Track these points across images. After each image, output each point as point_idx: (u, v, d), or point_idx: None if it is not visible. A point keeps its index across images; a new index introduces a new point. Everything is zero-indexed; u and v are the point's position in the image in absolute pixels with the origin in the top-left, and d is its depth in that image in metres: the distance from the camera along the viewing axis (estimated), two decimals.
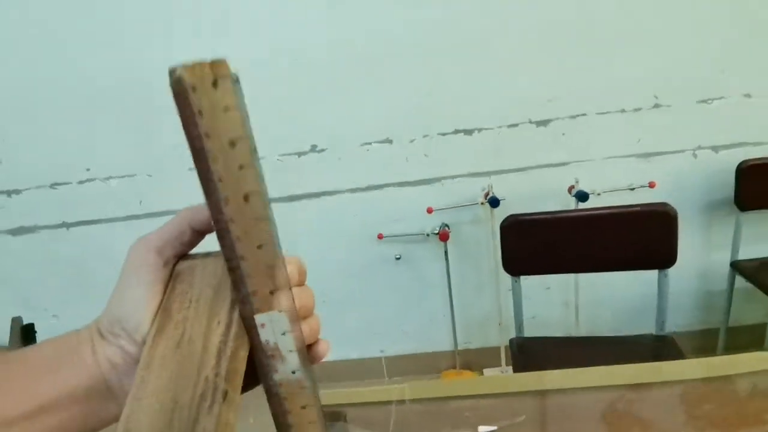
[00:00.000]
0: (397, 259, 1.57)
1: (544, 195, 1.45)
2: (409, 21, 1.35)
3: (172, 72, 0.21)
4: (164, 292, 0.27)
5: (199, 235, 0.28)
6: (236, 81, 0.21)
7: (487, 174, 1.47)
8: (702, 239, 1.50)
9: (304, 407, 0.27)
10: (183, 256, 0.28)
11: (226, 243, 0.23)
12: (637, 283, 1.45)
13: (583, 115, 1.40)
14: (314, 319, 0.28)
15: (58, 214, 1.57)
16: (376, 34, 1.37)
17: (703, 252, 1.51)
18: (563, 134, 1.41)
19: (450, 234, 1.49)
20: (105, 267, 1.57)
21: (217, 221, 0.23)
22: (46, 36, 1.41)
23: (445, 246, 1.51)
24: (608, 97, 1.38)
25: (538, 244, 1.07)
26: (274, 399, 0.27)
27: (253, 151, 0.22)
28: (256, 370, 0.26)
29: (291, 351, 0.26)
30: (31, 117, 1.49)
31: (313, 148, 1.48)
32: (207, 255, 0.29)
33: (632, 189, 1.42)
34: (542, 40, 1.35)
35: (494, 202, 1.41)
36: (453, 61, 1.38)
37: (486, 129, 1.44)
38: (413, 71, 1.39)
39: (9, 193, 1.56)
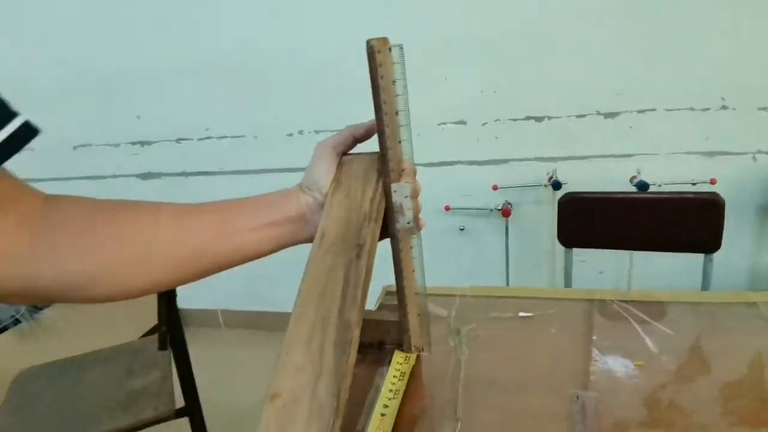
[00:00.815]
0: (461, 230, 1.73)
1: (605, 182, 1.54)
2: (493, 14, 1.49)
3: (368, 41, 0.39)
4: (335, 170, 0.46)
5: (356, 142, 0.47)
6: (401, 49, 0.40)
7: (553, 159, 1.59)
8: (752, 237, 1.53)
9: (411, 247, 0.46)
10: (345, 153, 0.48)
11: (382, 138, 0.42)
12: (688, 278, 1.51)
13: (652, 110, 1.47)
14: (419, 201, 0.46)
15: (179, 164, 1.89)
16: (457, 26, 1.52)
17: (753, 250, 1.54)
18: (630, 127, 1.50)
19: (512, 211, 1.62)
20: None
21: (379, 125, 0.42)
22: (180, 17, 1.71)
23: (506, 222, 1.65)
24: (677, 95, 1.45)
25: (592, 220, 1.19)
26: (394, 241, 0.46)
27: (404, 87, 0.41)
28: (385, 228, 0.45)
29: (409, 209, 0.44)
30: (167, 82, 1.80)
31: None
32: (359, 154, 0.48)
33: (693, 184, 1.48)
34: (617, 34, 1.43)
35: (557, 185, 1.53)
36: (528, 52, 1.50)
37: (555, 117, 1.55)
38: (490, 60, 1.53)
39: (143, 143, 1.90)
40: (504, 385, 0.48)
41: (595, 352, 0.51)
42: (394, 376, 0.48)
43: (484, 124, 1.60)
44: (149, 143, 1.90)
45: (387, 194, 0.44)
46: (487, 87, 1.56)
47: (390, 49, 0.39)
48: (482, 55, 1.53)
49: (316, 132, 1.75)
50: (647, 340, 0.52)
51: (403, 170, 0.43)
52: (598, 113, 1.51)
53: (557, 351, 0.52)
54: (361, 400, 0.46)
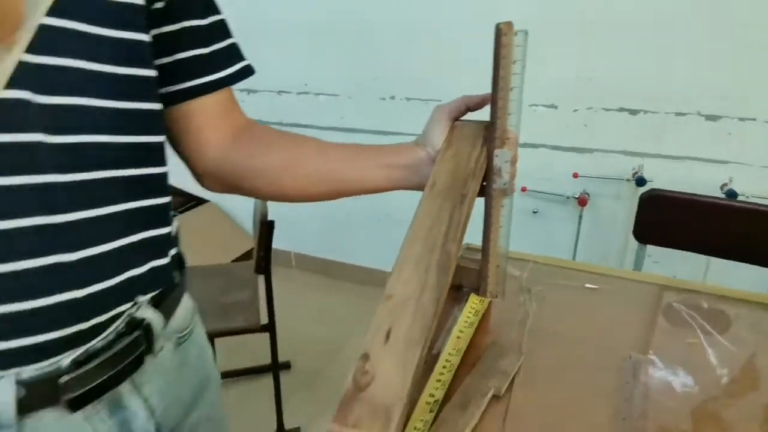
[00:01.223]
0: (534, 213, 1.76)
1: (693, 186, 1.50)
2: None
3: (497, 24, 0.46)
4: (448, 132, 0.54)
5: (468, 110, 0.55)
6: (525, 34, 0.46)
7: (641, 155, 1.56)
8: None
9: (502, 206, 0.54)
10: (457, 119, 0.56)
11: (494, 108, 0.49)
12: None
13: (753, 119, 1.40)
14: (516, 168, 0.54)
15: (278, 115, 2.06)
16: (564, 7, 1.51)
17: None
18: (729, 133, 1.43)
19: (589, 201, 1.63)
20: None
21: (493, 97, 0.49)
22: None
23: (581, 211, 1.66)
24: None
25: (672, 219, 1.18)
26: (488, 199, 0.54)
27: (522, 68, 0.47)
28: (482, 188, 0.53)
29: (507, 173, 0.52)
30: (276, 36, 1.94)
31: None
32: (469, 121, 0.55)
33: None
34: (732, 37, 1.36)
35: (641, 182, 1.51)
36: (634, 42, 1.46)
37: (651, 112, 1.51)
38: (592, 46, 1.51)
39: (249, 92, 2.08)
40: (565, 336, 0.55)
41: (657, 329, 0.57)
42: (469, 312, 0.57)
43: (575, 111, 1.60)
44: (254, 92, 2.07)
45: (489, 158, 0.52)
46: (583, 73, 1.55)
47: (516, 33, 0.46)
48: (584, 39, 1.51)
49: (408, 99, 1.83)
50: (709, 328, 0.56)
51: (507, 139, 0.51)
52: (699, 114, 1.46)
53: (619, 320, 0.59)
54: (441, 325, 0.56)
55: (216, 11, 0.49)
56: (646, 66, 1.47)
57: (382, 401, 0.36)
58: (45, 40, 0.34)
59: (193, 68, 0.48)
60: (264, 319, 1.26)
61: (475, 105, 0.54)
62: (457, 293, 0.61)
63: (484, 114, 0.54)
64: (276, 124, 2.09)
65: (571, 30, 1.52)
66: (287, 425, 1.43)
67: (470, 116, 0.57)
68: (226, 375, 1.66)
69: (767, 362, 0.52)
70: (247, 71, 0.52)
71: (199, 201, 2.33)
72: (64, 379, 0.37)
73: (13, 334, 0.35)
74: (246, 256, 2.26)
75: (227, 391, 1.63)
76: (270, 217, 1.23)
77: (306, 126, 2.02)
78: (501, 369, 0.49)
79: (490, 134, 0.51)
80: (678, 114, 1.48)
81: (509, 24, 0.46)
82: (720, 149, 1.46)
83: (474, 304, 0.58)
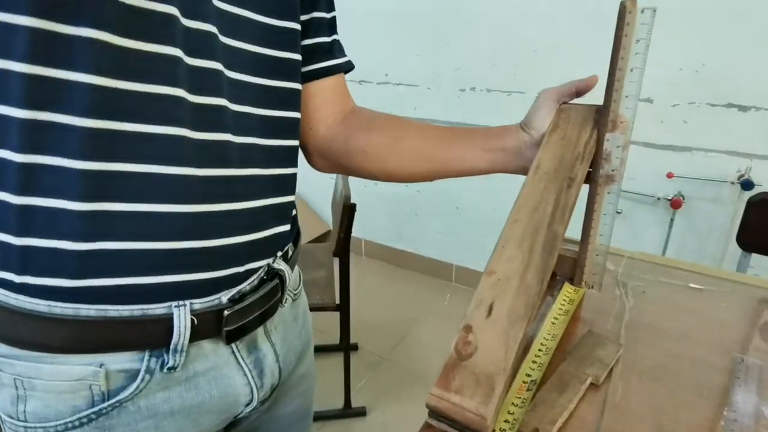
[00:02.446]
0: (618, 213, 1.67)
1: None
2: None
3: (622, 1, 0.44)
4: (554, 116, 0.53)
5: (576, 95, 0.53)
6: (653, 12, 0.44)
7: (749, 156, 1.43)
8: None
9: (609, 193, 0.52)
10: (564, 103, 0.54)
11: (609, 89, 0.48)
12: None
13: None
14: (626, 155, 0.51)
15: (359, 103, 2.10)
16: None
17: None
18: None
19: (683, 204, 1.51)
20: None
21: (610, 77, 0.47)
22: None
23: (673, 214, 1.55)
24: None
25: None
26: (593, 185, 0.52)
27: (646, 47, 0.45)
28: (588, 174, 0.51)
29: (617, 158, 0.50)
30: (361, 25, 1.98)
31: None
32: (578, 105, 0.54)
33: None
34: None
35: (747, 185, 1.38)
36: (749, 31, 1.33)
37: (765, 109, 1.37)
38: (701, 35, 1.39)
39: None
40: (666, 332, 0.53)
41: (759, 333, 0.52)
42: (564, 300, 0.56)
43: (674, 105, 1.49)
44: None
45: (599, 142, 0.50)
46: (689, 64, 1.44)
47: (642, 11, 0.44)
48: (691, 27, 1.40)
49: (488, 91, 1.80)
50: None
51: (621, 122, 0.49)
52: None
53: (725, 321, 0.55)
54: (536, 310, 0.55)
55: (334, 8, 0.55)
56: (763, 58, 1.34)
57: (485, 371, 0.37)
58: (227, 23, 0.41)
59: (318, 53, 0.53)
60: (338, 300, 1.31)
61: (585, 87, 0.53)
62: (550, 281, 0.60)
63: (591, 99, 0.53)
64: None
65: (676, 16, 1.41)
66: (353, 404, 1.47)
67: (578, 102, 0.55)
68: None
69: None
70: (351, 64, 0.58)
71: None
72: (226, 313, 0.43)
73: (196, 268, 0.41)
74: (320, 239, 2.35)
75: None
76: None
77: None
78: (599, 358, 0.48)
79: (603, 117, 0.49)
80: None
81: (634, 1, 0.45)
82: None
83: (568, 293, 0.56)
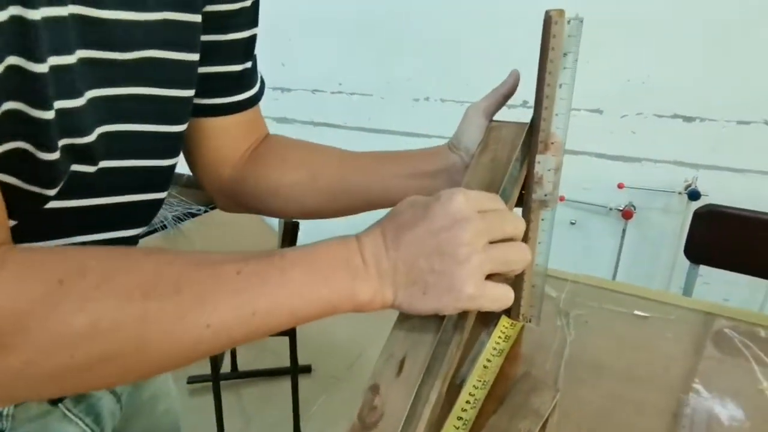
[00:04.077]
0: (572, 224, 1.66)
1: (754, 203, 1.36)
2: None
3: (547, 11, 0.40)
4: (484, 134, 0.48)
5: (505, 99, 0.49)
6: (580, 23, 0.40)
7: (695, 166, 1.44)
8: None
9: (542, 219, 0.47)
10: (493, 115, 0.49)
11: (538, 108, 0.43)
12: None
13: None
14: (559, 177, 0.47)
15: (310, 114, 2.03)
16: (618, 2, 1.41)
17: None
18: None
19: (634, 214, 1.52)
20: None
21: (538, 94, 0.43)
22: None
23: (625, 224, 1.55)
24: None
25: (729, 239, 1.07)
26: (526, 211, 0.47)
27: (575, 61, 0.41)
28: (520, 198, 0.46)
29: (549, 182, 0.45)
30: (311, 34, 1.92)
31: (524, 104, 1.62)
32: (508, 123, 0.49)
33: None
34: None
35: (694, 195, 1.40)
36: (695, 43, 1.35)
37: (710, 120, 1.39)
38: (647, 46, 1.40)
39: (283, 90, 2.06)
40: (609, 370, 0.48)
41: (705, 356, 0.49)
42: (498, 337, 0.50)
43: (623, 117, 1.49)
44: (288, 90, 2.06)
45: (530, 164, 0.45)
46: (636, 76, 1.44)
47: (569, 22, 0.40)
48: (637, 38, 1.41)
49: (443, 101, 1.77)
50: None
51: (552, 143, 0.44)
52: (766, 123, 1.33)
53: (672, 354, 0.51)
54: (466, 352, 0.50)
55: (256, 23, 0.47)
56: (707, 70, 1.35)
57: None
58: None
59: (225, 85, 0.45)
60: None
61: (509, 89, 0.48)
62: (485, 315, 0.54)
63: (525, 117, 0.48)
64: (308, 124, 2.07)
65: (622, 28, 1.42)
66: (306, 430, 1.39)
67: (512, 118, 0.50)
68: (246, 375, 1.64)
69: None
70: (262, 91, 0.50)
71: None
72: None
73: None
74: None
75: (247, 392, 1.61)
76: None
77: (336, 126, 1.99)
78: (534, 408, 0.42)
79: (533, 137, 0.45)
80: (740, 123, 1.35)
81: (561, 11, 0.40)
82: None
83: (504, 328, 0.51)
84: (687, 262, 1.15)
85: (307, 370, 1.66)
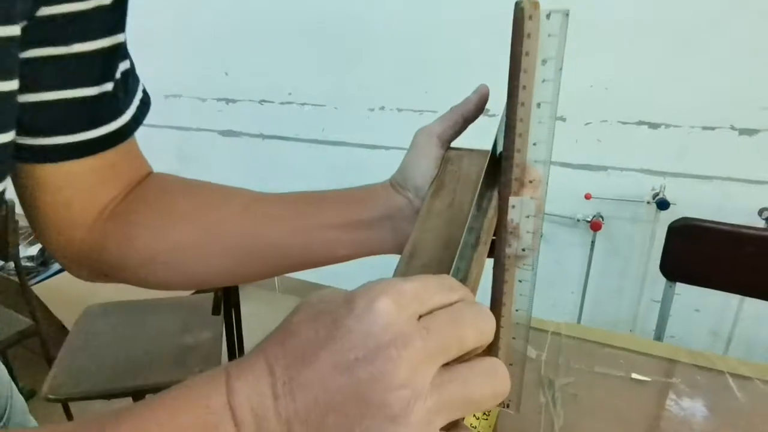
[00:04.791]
0: (541, 236, 1.57)
1: (724, 210, 1.32)
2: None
3: (518, 3, 0.28)
4: (438, 167, 0.36)
5: (466, 123, 0.37)
6: (565, 16, 0.28)
7: (662, 174, 1.39)
8: None
9: (520, 281, 0.36)
10: (451, 141, 0.38)
11: (510, 134, 0.31)
12: None
13: None
14: (541, 221, 0.36)
15: (259, 125, 1.88)
16: (580, 4, 1.34)
17: None
18: None
19: (603, 225, 1.45)
20: (285, 177, 1.85)
21: (509, 118, 0.31)
22: None
23: (594, 236, 1.48)
24: None
25: (707, 254, 1.01)
26: (498, 269, 0.36)
27: (558, 70, 0.29)
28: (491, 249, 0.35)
29: (528, 233, 0.34)
30: (255, 42, 1.77)
31: (486, 112, 1.53)
32: (471, 150, 0.38)
33: None
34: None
35: (663, 204, 1.34)
36: (656, 47, 1.29)
37: (675, 126, 1.34)
38: (608, 51, 1.34)
39: (227, 101, 1.90)
40: None
41: None
42: None
43: (587, 124, 1.42)
44: (234, 101, 1.90)
45: (502, 208, 0.34)
46: (599, 82, 1.38)
47: (548, 16, 0.28)
48: (599, 44, 1.34)
49: (399, 110, 1.66)
50: None
51: (530, 181, 0.33)
52: (733, 128, 1.28)
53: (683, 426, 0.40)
54: None
55: (122, 28, 0.33)
56: (669, 75, 1.30)
57: None
58: None
59: (70, 117, 0.31)
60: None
61: (474, 111, 0.36)
62: None
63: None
64: (256, 137, 1.91)
65: (583, 33, 1.35)
66: None
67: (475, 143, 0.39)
68: None
69: None
70: (145, 105, 0.36)
71: None
72: None
73: None
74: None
75: None
76: None
77: (288, 138, 1.84)
78: None
79: (504, 174, 0.33)
80: (706, 128, 1.31)
81: (535, 2, 0.29)
82: (758, 168, 1.28)
83: (475, 419, 0.39)
84: (658, 274, 1.07)
85: None
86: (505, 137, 0.32)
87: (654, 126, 1.36)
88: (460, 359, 0.22)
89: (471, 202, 0.34)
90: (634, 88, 1.35)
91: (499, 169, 0.34)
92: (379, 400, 0.19)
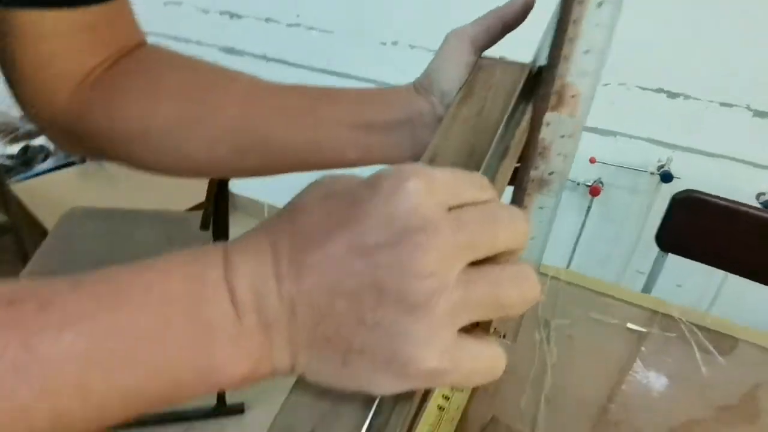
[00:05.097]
0: None
1: (725, 189, 1.30)
2: None
3: None
4: (469, 73, 0.33)
5: (505, 30, 0.33)
6: None
7: (671, 147, 1.36)
8: None
9: (541, 208, 0.33)
10: (485, 48, 0.34)
11: (558, 38, 0.28)
12: None
13: None
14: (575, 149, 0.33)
15: (262, 46, 1.78)
16: None
17: None
18: None
19: (602, 191, 1.43)
20: None
21: (562, 20, 0.27)
22: None
23: (591, 201, 1.46)
24: None
25: (704, 227, 1.00)
26: (519, 192, 0.33)
27: None
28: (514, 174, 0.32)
29: (558, 155, 0.31)
30: None
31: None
32: (507, 61, 0.34)
33: None
34: None
35: (666, 177, 1.32)
36: (692, 13, 1.22)
37: (693, 98, 1.30)
38: (644, 9, 1.27)
39: (232, 15, 1.79)
40: (598, 410, 0.37)
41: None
42: None
43: (605, 85, 1.37)
44: (239, 16, 1.79)
45: (535, 125, 0.30)
46: (627, 42, 1.31)
47: None
48: (637, 2, 1.26)
49: (411, 47, 1.58)
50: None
51: (572, 96, 0.29)
52: (748, 108, 1.24)
53: (671, 389, 0.40)
54: None
55: None
56: (699, 43, 1.24)
57: None
58: None
59: None
60: None
61: (516, 17, 0.32)
62: None
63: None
64: (260, 58, 1.81)
65: None
66: (228, 401, 1.26)
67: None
68: (163, 420, 1.21)
69: None
70: None
71: None
72: None
73: None
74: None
75: None
76: None
77: (291, 63, 1.76)
78: None
79: (542, 86, 0.30)
80: (723, 104, 1.27)
81: None
82: (763, 152, 1.26)
83: (447, 393, 0.38)
84: (649, 246, 1.07)
85: (239, 410, 1.28)
86: (553, 41, 0.29)
87: (673, 95, 1.32)
88: (488, 261, 0.20)
89: (503, 111, 0.31)
90: (660, 53, 1.29)
91: (537, 83, 0.31)
92: (399, 289, 0.16)
